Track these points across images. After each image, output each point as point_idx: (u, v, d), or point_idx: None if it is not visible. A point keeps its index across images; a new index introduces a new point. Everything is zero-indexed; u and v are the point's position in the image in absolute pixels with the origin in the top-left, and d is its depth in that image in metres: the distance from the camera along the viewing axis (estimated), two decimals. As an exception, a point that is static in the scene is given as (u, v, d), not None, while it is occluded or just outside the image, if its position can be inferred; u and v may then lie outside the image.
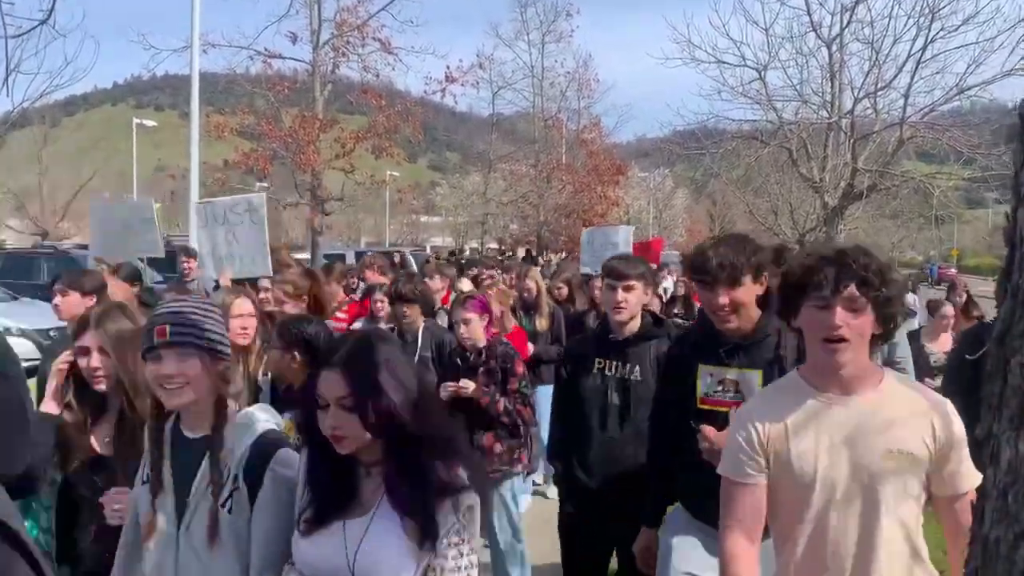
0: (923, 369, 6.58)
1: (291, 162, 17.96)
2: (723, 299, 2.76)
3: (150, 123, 44.84)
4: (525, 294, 7.25)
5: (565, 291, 8.22)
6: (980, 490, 1.18)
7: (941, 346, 6.92)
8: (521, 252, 29.89)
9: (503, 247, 36.07)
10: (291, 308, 4.76)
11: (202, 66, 14.48)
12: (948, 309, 7.16)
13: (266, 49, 18.18)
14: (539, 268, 14.03)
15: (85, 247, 20.32)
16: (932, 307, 7.32)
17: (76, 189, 33.05)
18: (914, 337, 6.89)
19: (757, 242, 2.96)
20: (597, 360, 3.68)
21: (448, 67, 20.01)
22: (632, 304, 3.60)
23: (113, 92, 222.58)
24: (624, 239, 12.13)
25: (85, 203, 39.70)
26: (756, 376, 2.79)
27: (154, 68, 19.00)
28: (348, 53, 18.66)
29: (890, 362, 5.43)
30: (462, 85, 20.44)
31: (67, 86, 29.93)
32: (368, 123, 19.01)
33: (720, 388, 2.86)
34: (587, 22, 36.67)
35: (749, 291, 2.81)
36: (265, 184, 21.84)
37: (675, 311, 11.23)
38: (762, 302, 2.88)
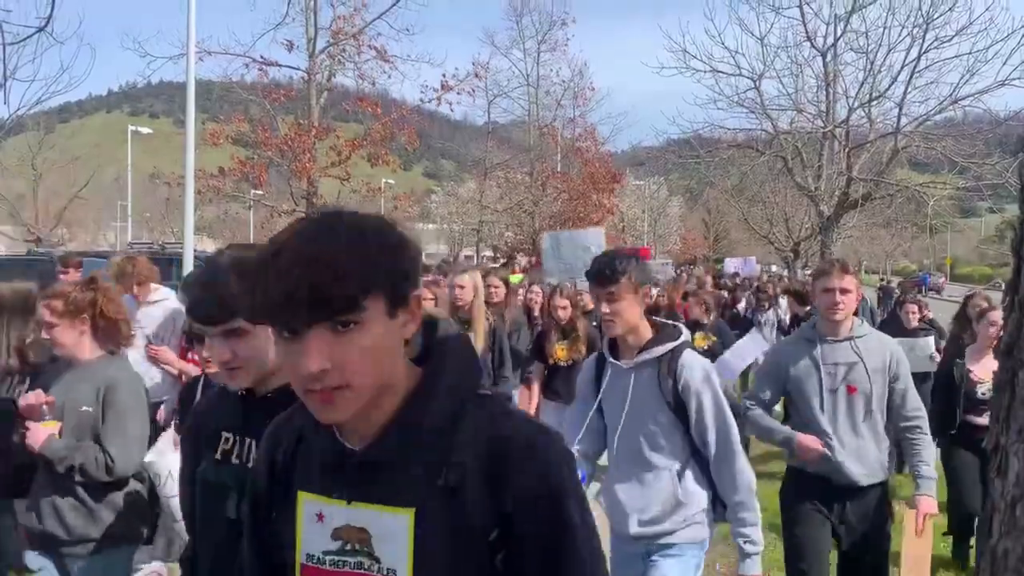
0: (970, 405, 5.18)
1: (287, 170, 17.95)
2: (313, 364, 1.20)
3: (145, 130, 44.84)
4: (459, 303, 5.64)
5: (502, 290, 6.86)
6: (989, 502, 1.18)
7: (989, 371, 5.01)
8: (523, 261, 29.68)
9: (498, 255, 36.07)
10: (64, 333, 3.27)
11: (198, 73, 14.48)
12: (996, 314, 5.24)
13: (262, 57, 18.19)
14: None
15: (79, 254, 20.23)
16: (977, 313, 5.63)
17: (71, 196, 32.91)
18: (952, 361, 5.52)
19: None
20: (224, 434, 2.02)
21: (444, 75, 20.03)
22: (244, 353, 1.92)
23: (108, 99, 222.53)
24: (596, 241, 10.84)
25: (79, 210, 39.72)
26: (404, 522, 1.30)
27: (150, 75, 19.00)
28: (344, 61, 18.69)
29: (902, 424, 3.79)
30: (458, 93, 20.46)
31: (63, 93, 29.83)
32: (364, 131, 19.00)
33: (338, 546, 1.36)
34: (582, 31, 36.84)
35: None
36: (260, 192, 21.81)
37: None
38: (427, 358, 1.41)
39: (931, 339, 7.69)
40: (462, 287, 5.67)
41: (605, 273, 3.00)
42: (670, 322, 3.26)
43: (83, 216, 44.88)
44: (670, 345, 3.04)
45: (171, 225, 47.56)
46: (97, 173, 38.68)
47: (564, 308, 6.52)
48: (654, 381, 3.03)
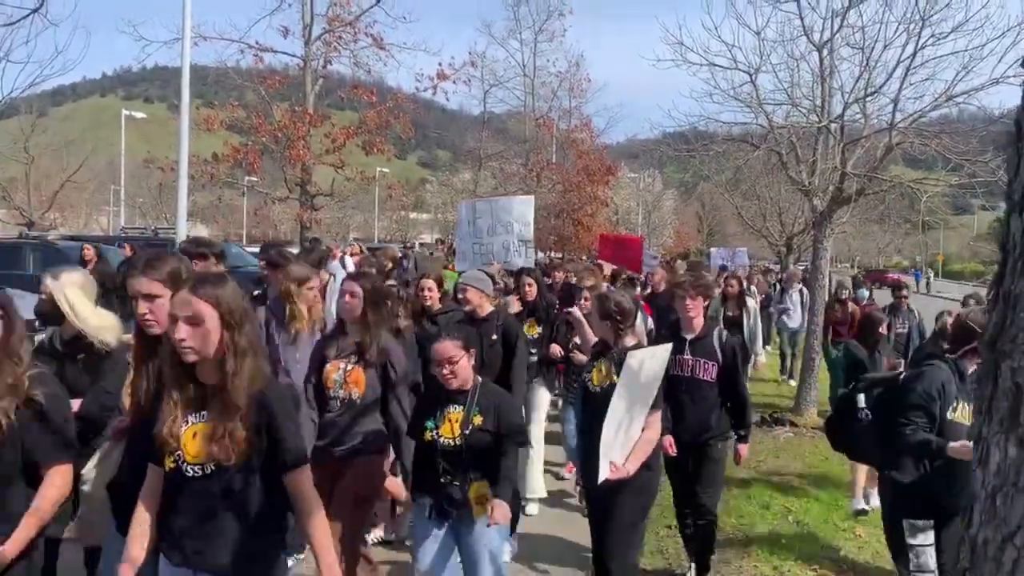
0: None
1: (281, 157, 17.87)
2: None
3: (139, 115, 44.59)
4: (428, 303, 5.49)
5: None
6: (970, 492, 1.20)
7: None
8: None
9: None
10: None
11: (193, 59, 14.40)
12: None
13: (257, 43, 18.09)
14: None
15: (72, 238, 20.15)
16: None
17: (63, 180, 32.73)
18: None
19: None
20: None
21: (440, 64, 19.95)
22: None
23: (102, 83, 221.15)
24: (522, 216, 9.21)
25: (72, 194, 39.44)
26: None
27: (144, 60, 18.88)
28: (340, 48, 18.59)
29: None
30: (454, 83, 20.37)
31: (56, 76, 29.67)
32: (359, 119, 18.93)
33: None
34: (579, 22, 36.71)
35: None
36: (254, 179, 21.73)
37: (570, 343, 6.68)
38: None
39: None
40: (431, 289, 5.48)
41: None
42: None
43: (76, 200, 44.63)
44: None
45: (164, 210, 47.37)
46: (90, 157, 38.46)
47: (353, 298, 3.61)
48: None
